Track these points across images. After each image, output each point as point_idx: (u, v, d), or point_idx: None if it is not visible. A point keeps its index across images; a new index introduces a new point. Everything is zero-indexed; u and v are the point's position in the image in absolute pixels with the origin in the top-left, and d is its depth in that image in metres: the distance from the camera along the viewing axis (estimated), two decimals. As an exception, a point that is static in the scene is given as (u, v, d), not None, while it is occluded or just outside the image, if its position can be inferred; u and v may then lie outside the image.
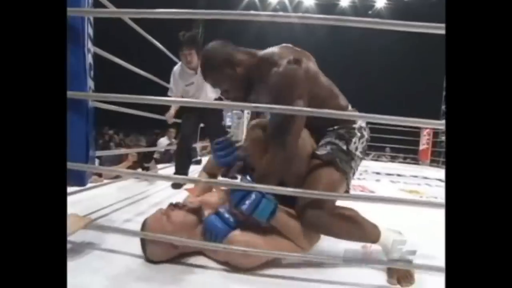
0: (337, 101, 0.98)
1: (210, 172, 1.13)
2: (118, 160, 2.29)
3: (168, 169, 2.49)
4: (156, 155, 3.64)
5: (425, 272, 0.86)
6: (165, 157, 3.15)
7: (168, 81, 2.12)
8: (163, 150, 3.01)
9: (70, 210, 0.67)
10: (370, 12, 7.98)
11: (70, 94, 0.86)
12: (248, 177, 0.88)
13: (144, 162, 2.16)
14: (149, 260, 0.86)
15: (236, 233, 0.85)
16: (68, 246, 0.88)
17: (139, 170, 2.09)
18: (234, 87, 0.97)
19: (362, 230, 0.89)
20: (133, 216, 1.25)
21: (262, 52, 0.96)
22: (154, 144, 3.70)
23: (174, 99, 1.94)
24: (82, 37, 0.96)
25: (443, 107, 8.92)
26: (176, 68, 2.04)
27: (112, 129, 7.35)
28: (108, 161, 2.32)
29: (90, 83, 1.05)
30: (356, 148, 0.94)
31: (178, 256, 0.88)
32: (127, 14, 0.98)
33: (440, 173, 4.70)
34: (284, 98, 0.83)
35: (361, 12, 7.68)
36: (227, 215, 0.87)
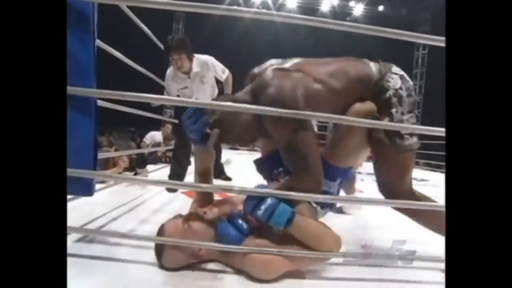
0: (342, 84, 0.91)
1: (201, 169, 1.05)
2: (102, 164, 2.14)
3: (160, 172, 2.39)
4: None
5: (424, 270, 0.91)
6: (150, 158, 3.01)
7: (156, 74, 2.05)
8: (147, 152, 2.88)
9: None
10: (348, 18, 8.29)
11: (76, 90, 0.79)
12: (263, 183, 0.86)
13: (137, 167, 2.05)
14: (164, 267, 0.83)
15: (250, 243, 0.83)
16: (72, 260, 0.82)
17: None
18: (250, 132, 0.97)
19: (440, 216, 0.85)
20: (137, 225, 1.20)
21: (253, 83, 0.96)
22: (140, 146, 3.53)
23: (181, 99, 1.82)
24: (93, 25, 0.85)
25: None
26: (169, 70, 1.97)
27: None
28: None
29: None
30: (402, 113, 0.86)
31: (195, 263, 0.86)
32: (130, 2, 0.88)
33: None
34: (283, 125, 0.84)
35: (340, 18, 7.97)
36: (240, 221, 0.85)
